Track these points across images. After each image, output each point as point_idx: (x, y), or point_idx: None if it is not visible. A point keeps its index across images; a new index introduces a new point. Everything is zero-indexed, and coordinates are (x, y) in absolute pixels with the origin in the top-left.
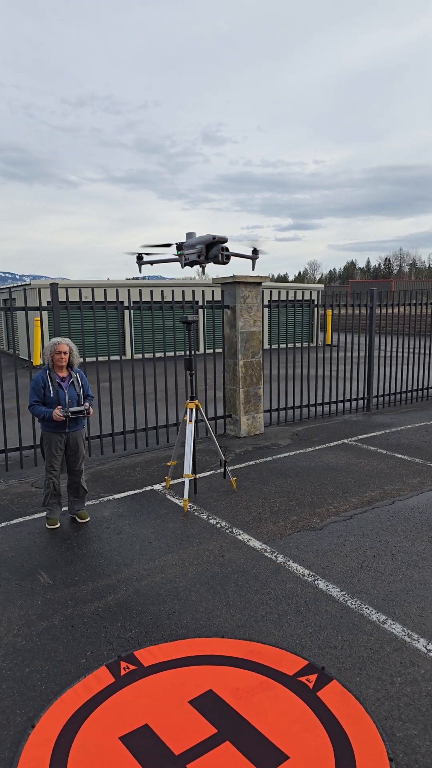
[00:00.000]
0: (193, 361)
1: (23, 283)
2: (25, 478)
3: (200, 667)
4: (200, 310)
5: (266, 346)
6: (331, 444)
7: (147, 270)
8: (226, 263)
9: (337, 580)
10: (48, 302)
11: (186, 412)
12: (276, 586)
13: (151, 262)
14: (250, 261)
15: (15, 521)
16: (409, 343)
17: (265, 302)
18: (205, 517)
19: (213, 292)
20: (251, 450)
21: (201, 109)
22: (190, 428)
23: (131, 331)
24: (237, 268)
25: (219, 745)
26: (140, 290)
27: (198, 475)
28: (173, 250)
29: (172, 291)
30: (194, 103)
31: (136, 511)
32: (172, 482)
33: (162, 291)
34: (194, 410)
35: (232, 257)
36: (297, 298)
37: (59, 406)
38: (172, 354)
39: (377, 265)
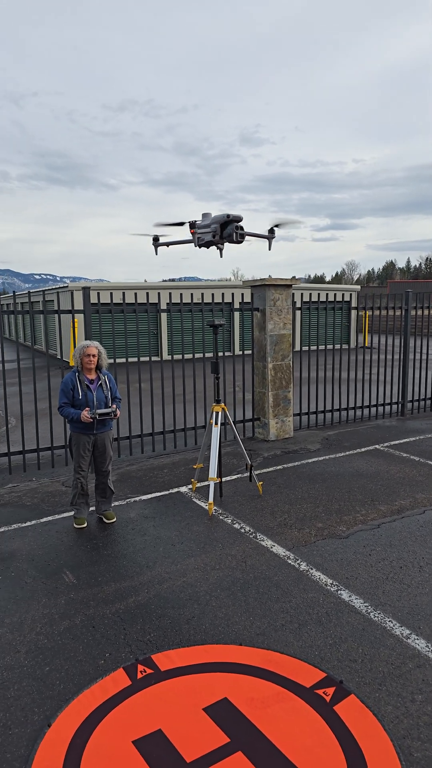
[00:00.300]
0: (219, 365)
1: (63, 284)
2: (56, 476)
3: (216, 675)
4: (234, 312)
5: (302, 348)
6: (362, 449)
7: (180, 271)
8: (241, 242)
9: (361, 591)
10: (87, 304)
11: (212, 414)
12: (297, 594)
13: (167, 244)
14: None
15: (44, 519)
16: None
17: (299, 305)
18: (229, 521)
19: (243, 294)
20: (279, 454)
21: (239, 111)
22: (215, 431)
23: (160, 332)
24: (269, 270)
25: (231, 755)
26: (170, 293)
27: (224, 479)
28: (187, 229)
29: (202, 294)
30: (233, 105)
31: (162, 513)
32: (198, 485)
33: (192, 294)
34: (220, 413)
35: (247, 237)
36: (332, 300)
37: (87, 408)
38: (205, 355)
39: (418, 265)
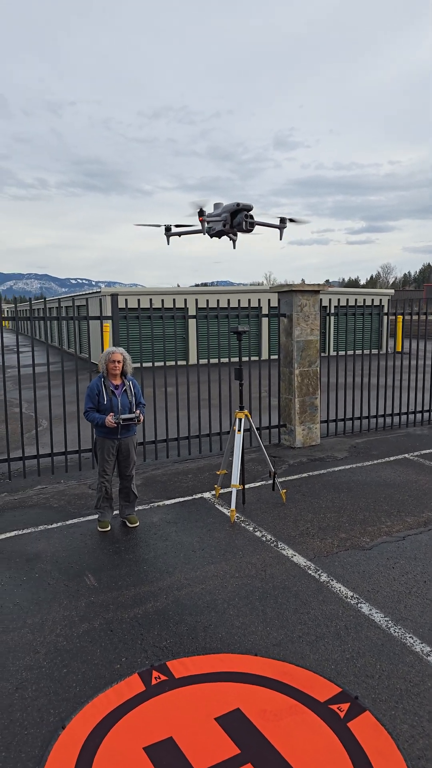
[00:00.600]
0: (243, 371)
1: (96, 290)
2: (83, 479)
3: (230, 684)
4: (262, 318)
5: (332, 353)
6: (391, 458)
7: (213, 274)
8: (251, 231)
9: (382, 605)
10: (115, 310)
11: (235, 421)
12: (316, 606)
13: (179, 234)
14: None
15: (70, 522)
16: None
17: (329, 309)
18: (251, 529)
19: (270, 300)
20: (305, 461)
21: (273, 115)
22: (238, 438)
23: (188, 337)
24: (302, 273)
25: (240, 767)
26: (196, 298)
27: (248, 486)
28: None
29: (228, 299)
30: (266, 109)
31: (184, 518)
32: (221, 491)
33: (218, 299)
34: (243, 420)
35: (257, 226)
36: (364, 304)
37: (111, 413)
38: (230, 359)
39: None
